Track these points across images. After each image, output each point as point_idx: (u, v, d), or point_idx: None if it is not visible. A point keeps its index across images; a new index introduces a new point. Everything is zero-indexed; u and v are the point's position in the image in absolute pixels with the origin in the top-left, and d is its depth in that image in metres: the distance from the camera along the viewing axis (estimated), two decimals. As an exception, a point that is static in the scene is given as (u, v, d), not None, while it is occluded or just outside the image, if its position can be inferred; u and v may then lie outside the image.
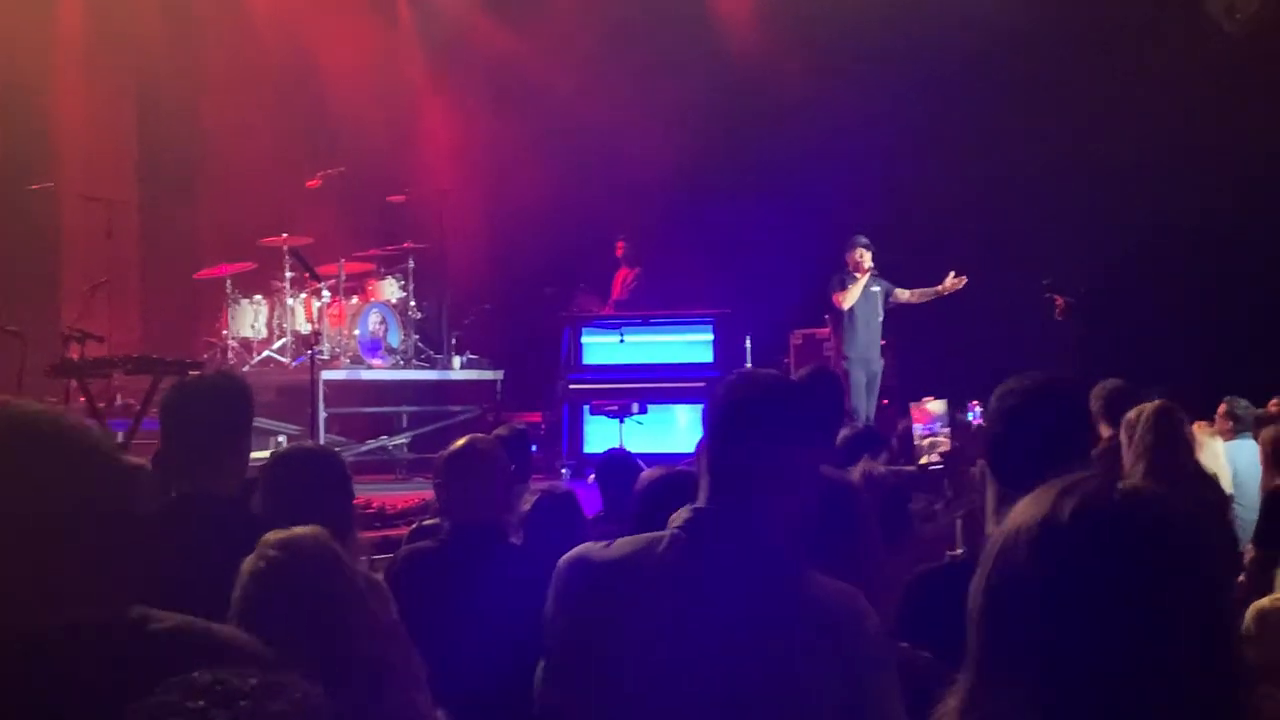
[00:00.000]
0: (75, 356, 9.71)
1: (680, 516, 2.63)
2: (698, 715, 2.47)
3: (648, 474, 4.28)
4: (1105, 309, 12.49)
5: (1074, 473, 3.09)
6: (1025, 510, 1.58)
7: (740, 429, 2.65)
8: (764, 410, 2.65)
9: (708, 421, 2.72)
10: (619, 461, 6.26)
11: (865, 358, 11.85)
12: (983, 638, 1.58)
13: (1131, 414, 5.69)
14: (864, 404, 11.63)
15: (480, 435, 4.86)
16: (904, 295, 12.12)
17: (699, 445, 2.78)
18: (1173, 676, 1.49)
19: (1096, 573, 1.51)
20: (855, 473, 4.37)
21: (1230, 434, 8.18)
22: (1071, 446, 3.34)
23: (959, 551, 4.14)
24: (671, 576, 2.55)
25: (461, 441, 4.59)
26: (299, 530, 2.83)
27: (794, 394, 2.76)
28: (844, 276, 11.92)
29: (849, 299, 11.79)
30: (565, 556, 2.72)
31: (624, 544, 2.67)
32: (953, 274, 11.96)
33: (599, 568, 2.64)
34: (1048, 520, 1.54)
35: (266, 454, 5.42)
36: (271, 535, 2.82)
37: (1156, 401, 5.65)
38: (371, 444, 13.24)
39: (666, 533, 2.61)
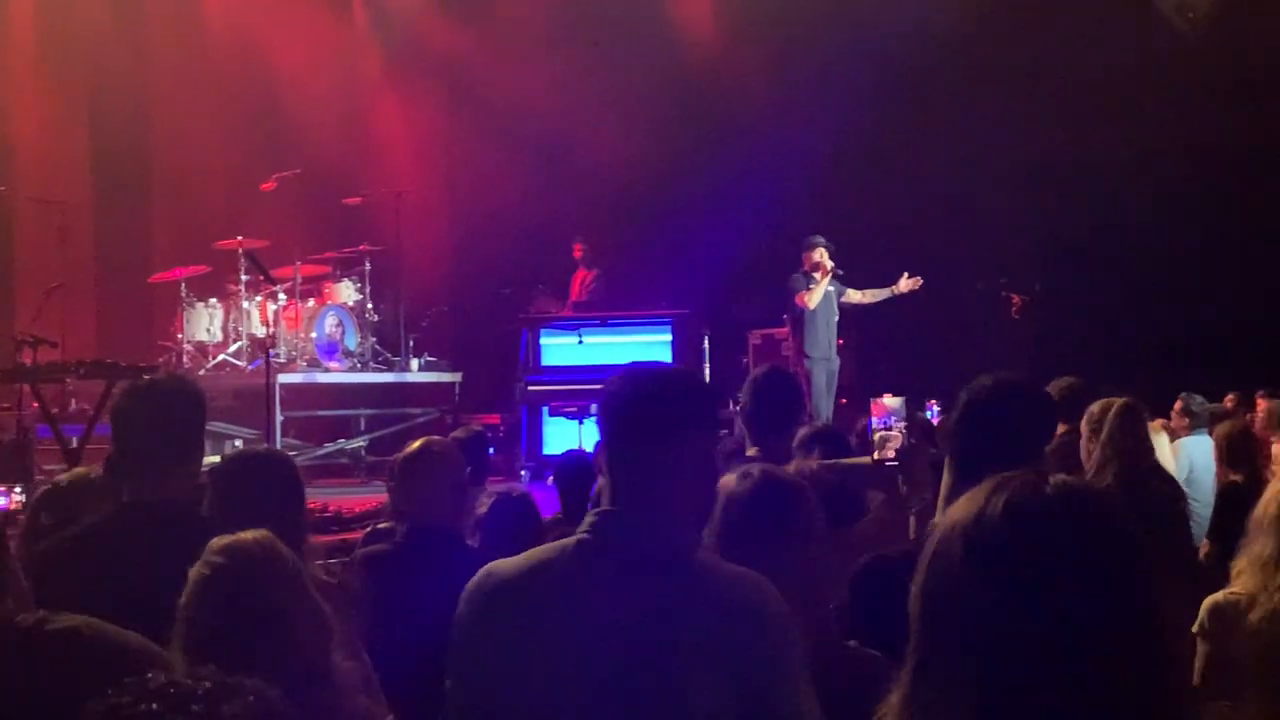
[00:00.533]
0: (28, 361, 9.61)
1: (586, 521, 2.62)
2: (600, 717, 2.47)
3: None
4: (1060, 307, 12.56)
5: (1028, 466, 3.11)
6: (960, 507, 1.58)
7: (631, 424, 2.64)
8: (653, 403, 2.64)
9: (599, 419, 2.71)
10: (576, 464, 6.25)
11: (826, 357, 11.87)
12: (920, 634, 1.57)
13: (1095, 408, 5.71)
14: (825, 403, 11.66)
15: (436, 437, 4.84)
16: (855, 296, 12.13)
17: (596, 446, 2.78)
18: (1106, 672, 1.48)
19: (1027, 568, 1.50)
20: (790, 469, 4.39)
21: (1186, 430, 8.24)
22: (1031, 442, 3.39)
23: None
24: (577, 582, 2.54)
25: (417, 444, 4.58)
26: (244, 535, 2.82)
27: (680, 384, 2.75)
28: (805, 277, 11.92)
29: (814, 299, 11.80)
30: (473, 578, 2.68)
31: (532, 555, 2.66)
32: (907, 275, 11.98)
33: (505, 583, 2.61)
34: (980, 516, 1.54)
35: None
36: (216, 541, 2.80)
37: (1122, 399, 5.68)
38: (329, 447, 13.19)
39: (573, 539, 2.61)
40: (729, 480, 3.11)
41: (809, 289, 11.82)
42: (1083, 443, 5.66)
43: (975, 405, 3.44)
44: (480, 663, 2.60)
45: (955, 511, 1.58)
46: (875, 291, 12.14)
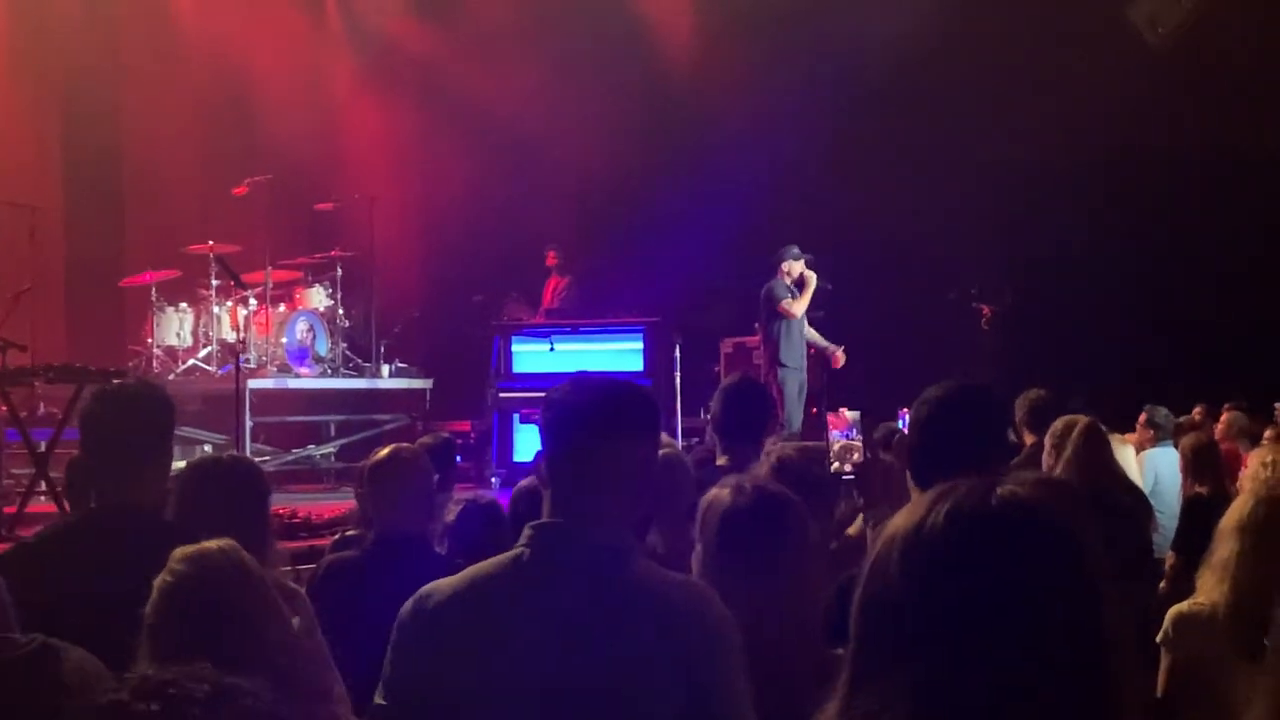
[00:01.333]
0: (-4, 365, 9.56)
1: (524, 534, 2.62)
2: None
3: (521, 484, 4.35)
4: (1029, 318, 12.62)
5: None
6: (902, 515, 1.55)
7: (567, 434, 2.65)
8: (588, 413, 2.64)
9: (540, 428, 2.71)
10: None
11: (799, 367, 11.92)
12: (857, 645, 1.55)
13: (1058, 425, 5.76)
14: (797, 413, 11.70)
15: (404, 444, 4.85)
16: (809, 333, 12.28)
17: (536, 456, 2.76)
18: (1050, 691, 1.44)
19: (966, 580, 1.46)
20: (769, 452, 4.41)
21: (1151, 442, 8.31)
22: (985, 451, 3.41)
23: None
24: (515, 598, 2.54)
25: (385, 450, 4.58)
26: (208, 544, 2.81)
27: (616, 393, 2.74)
28: (786, 285, 11.96)
29: (799, 309, 11.87)
30: (411, 598, 2.67)
31: (469, 573, 2.65)
32: (841, 349, 12.23)
33: (443, 603, 2.60)
34: (919, 525, 1.51)
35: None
36: (180, 550, 2.80)
37: (1085, 419, 5.72)
38: (298, 453, 13.15)
39: (511, 553, 2.61)
40: (721, 495, 3.10)
41: (793, 299, 11.87)
42: (1044, 457, 5.70)
43: (927, 418, 3.45)
44: (418, 686, 2.59)
45: (897, 519, 1.55)
46: (819, 337, 12.30)
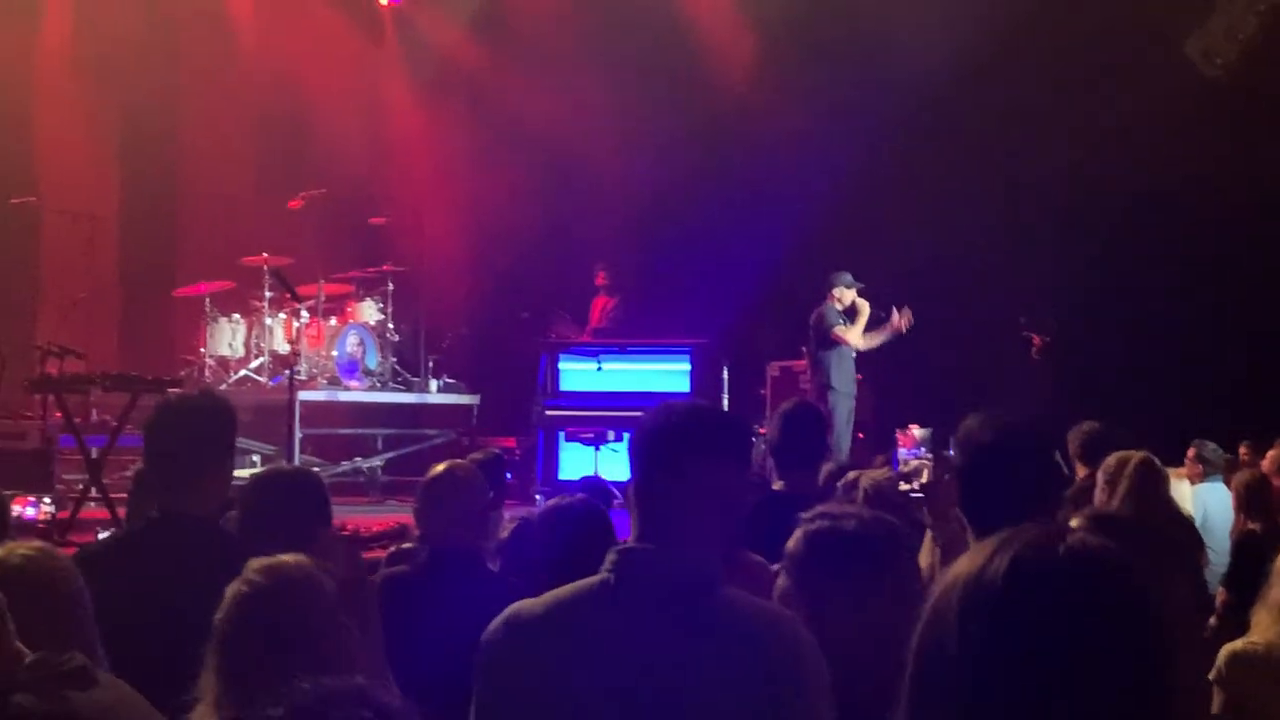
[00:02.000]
0: (54, 372, 9.67)
1: (609, 558, 2.61)
2: None
3: (557, 502, 4.37)
4: (1080, 349, 12.56)
5: (1043, 515, 3.12)
6: (965, 561, 1.50)
7: (655, 458, 2.64)
8: (678, 437, 2.63)
9: (630, 455, 2.69)
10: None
11: (850, 392, 11.90)
12: (911, 690, 1.51)
13: (1111, 461, 5.72)
14: (846, 438, 11.67)
15: (459, 461, 4.87)
16: (860, 344, 12.15)
17: (626, 483, 2.73)
18: None
19: (1027, 633, 1.42)
20: (865, 479, 4.40)
21: (1199, 477, 8.25)
22: (1040, 490, 3.37)
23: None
24: (600, 623, 2.53)
25: (440, 466, 4.61)
26: (285, 557, 2.85)
27: (706, 418, 2.72)
28: (837, 311, 11.94)
29: (853, 336, 11.84)
30: (496, 619, 2.67)
31: (555, 595, 2.64)
32: (896, 310, 11.98)
33: (529, 625, 2.60)
34: (981, 573, 1.46)
35: (244, 473, 5.43)
36: (256, 561, 2.83)
37: (1140, 454, 5.68)
38: (346, 465, 13.21)
39: (597, 578, 2.60)
40: (820, 525, 3.02)
41: (844, 326, 11.84)
42: (1097, 492, 5.67)
43: (978, 459, 3.39)
44: (507, 707, 2.60)
45: (959, 565, 1.51)
46: (875, 334, 12.14)
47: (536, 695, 2.55)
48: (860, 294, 12.02)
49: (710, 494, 2.59)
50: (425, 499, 4.52)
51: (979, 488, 3.35)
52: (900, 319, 11.98)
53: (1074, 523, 3.63)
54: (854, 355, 12.05)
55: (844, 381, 11.84)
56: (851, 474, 4.62)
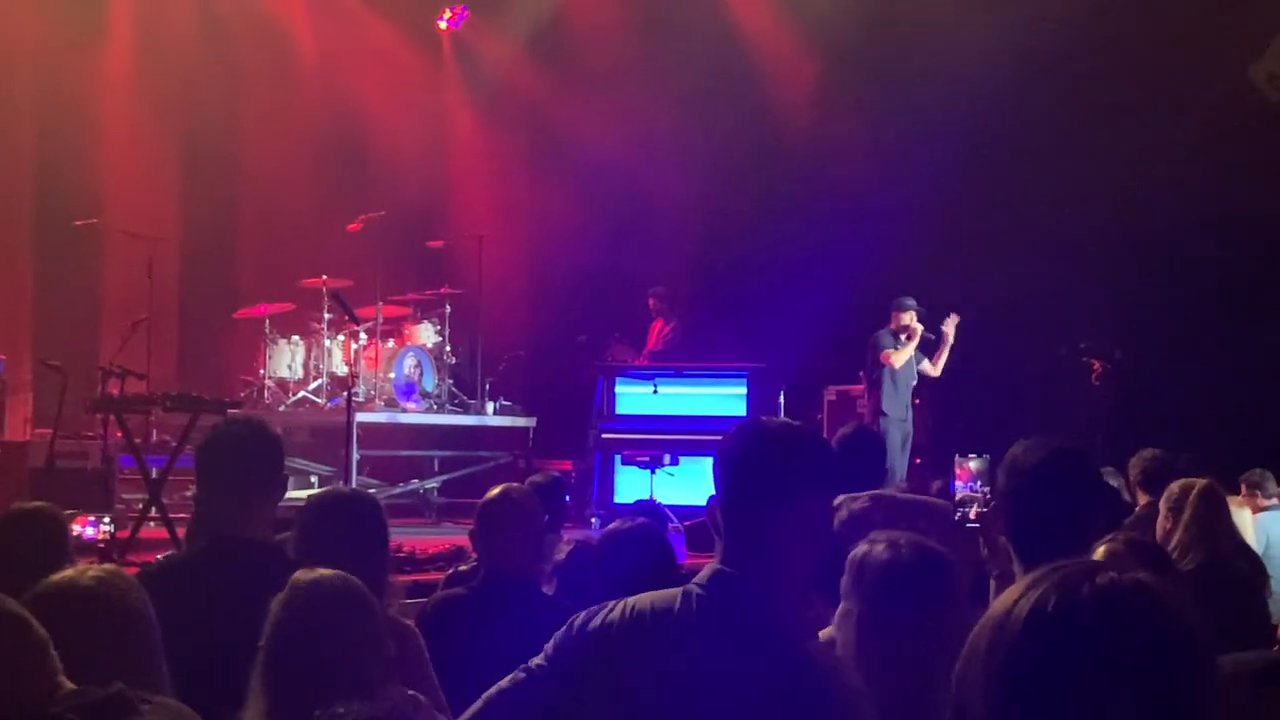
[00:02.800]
0: (115, 392, 9.78)
1: (703, 574, 2.57)
2: None
3: (618, 526, 4.36)
4: (1141, 375, 12.44)
5: (1087, 541, 3.07)
6: (1003, 598, 1.47)
7: (750, 484, 2.56)
8: (775, 464, 2.54)
9: (721, 474, 2.61)
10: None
11: (903, 418, 11.89)
12: (954, 715, 1.48)
13: (1174, 488, 5.65)
14: (900, 463, 11.64)
15: (515, 484, 4.88)
16: (928, 368, 12.24)
17: (711, 500, 2.63)
18: None
19: (1041, 678, 1.38)
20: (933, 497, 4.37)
21: (1258, 506, 8.16)
22: (1085, 515, 3.33)
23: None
24: (685, 637, 2.50)
25: (496, 490, 4.61)
26: (324, 571, 2.87)
27: (805, 444, 2.63)
28: (891, 336, 11.97)
29: (900, 359, 11.85)
30: (574, 617, 2.67)
31: (636, 600, 2.61)
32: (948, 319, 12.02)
33: (614, 624, 2.58)
34: (1007, 613, 1.43)
35: (301, 494, 5.47)
36: (298, 575, 2.85)
37: (1202, 482, 5.61)
38: (402, 487, 13.27)
39: (680, 590, 2.56)
40: (876, 550, 3.00)
41: (896, 348, 11.86)
42: (1159, 520, 5.60)
43: (1019, 486, 3.32)
44: (575, 703, 2.60)
45: (998, 600, 1.47)
46: (937, 357, 12.21)
47: (605, 697, 2.54)
48: (920, 318, 12.03)
49: (805, 524, 2.53)
50: (480, 521, 4.53)
51: (1022, 513, 3.31)
52: (948, 326, 12.01)
53: (1099, 552, 3.59)
54: (913, 381, 12.05)
55: (896, 407, 11.84)
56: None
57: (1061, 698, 1.37)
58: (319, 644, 2.75)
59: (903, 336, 11.99)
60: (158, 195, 14.89)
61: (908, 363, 12.01)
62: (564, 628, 2.66)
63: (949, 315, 12.21)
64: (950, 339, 12.21)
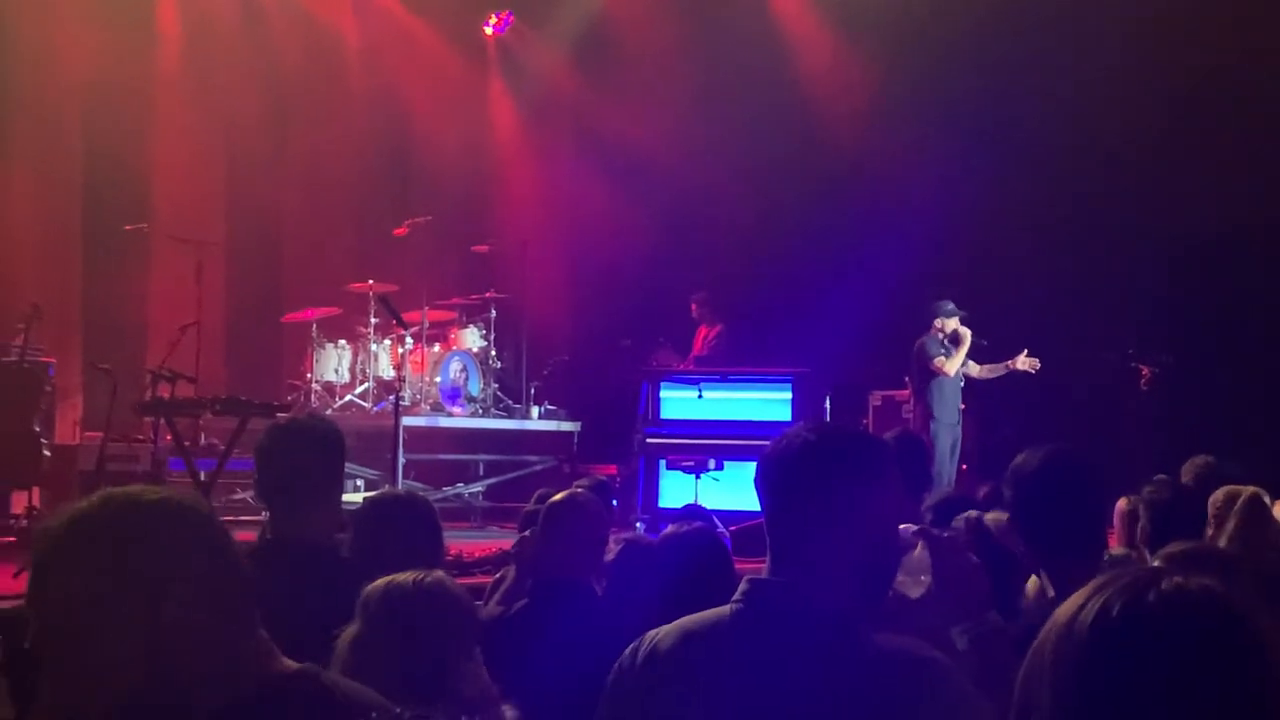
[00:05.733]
0: (165, 396, 9.84)
1: (740, 588, 2.50)
2: None
3: (674, 531, 4.34)
4: (1190, 380, 12.35)
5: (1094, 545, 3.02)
6: (1068, 604, 1.45)
7: (783, 485, 2.51)
8: (806, 462, 2.47)
9: (762, 481, 2.55)
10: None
11: (953, 422, 11.85)
12: None
13: (1219, 495, 5.59)
14: (948, 469, 11.59)
15: (579, 489, 4.86)
16: (974, 369, 12.13)
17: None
18: None
19: (1112, 686, 1.37)
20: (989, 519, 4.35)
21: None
22: (1089, 519, 3.35)
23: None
24: (734, 654, 2.43)
25: (561, 494, 4.60)
26: (429, 573, 2.89)
27: (839, 440, 2.55)
28: (938, 342, 11.92)
29: (952, 367, 11.81)
30: (631, 646, 2.60)
31: (687, 624, 2.55)
32: (1026, 352, 11.91)
33: (664, 654, 2.52)
34: (1074, 618, 1.41)
35: (349, 498, 5.48)
36: (403, 575, 2.87)
37: (1249, 489, 5.55)
38: (448, 491, 13.31)
39: (728, 608, 2.49)
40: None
41: (946, 356, 11.82)
42: (1205, 527, 5.54)
43: (1024, 493, 3.37)
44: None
45: (1062, 607, 1.46)
46: (992, 367, 12.14)
47: (674, 708, 2.48)
48: (963, 322, 11.97)
49: (844, 521, 2.44)
50: (543, 525, 4.51)
51: (1028, 518, 3.33)
52: (1021, 363, 11.89)
53: (1160, 557, 3.58)
54: (960, 385, 12.01)
55: (946, 412, 11.79)
56: (972, 514, 4.53)
57: (1130, 705, 1.35)
58: (420, 644, 2.77)
59: (946, 342, 11.94)
60: (205, 200, 15.00)
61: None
62: (613, 673, 2.61)
63: (1026, 354, 12.00)
64: (1008, 368, 12.06)
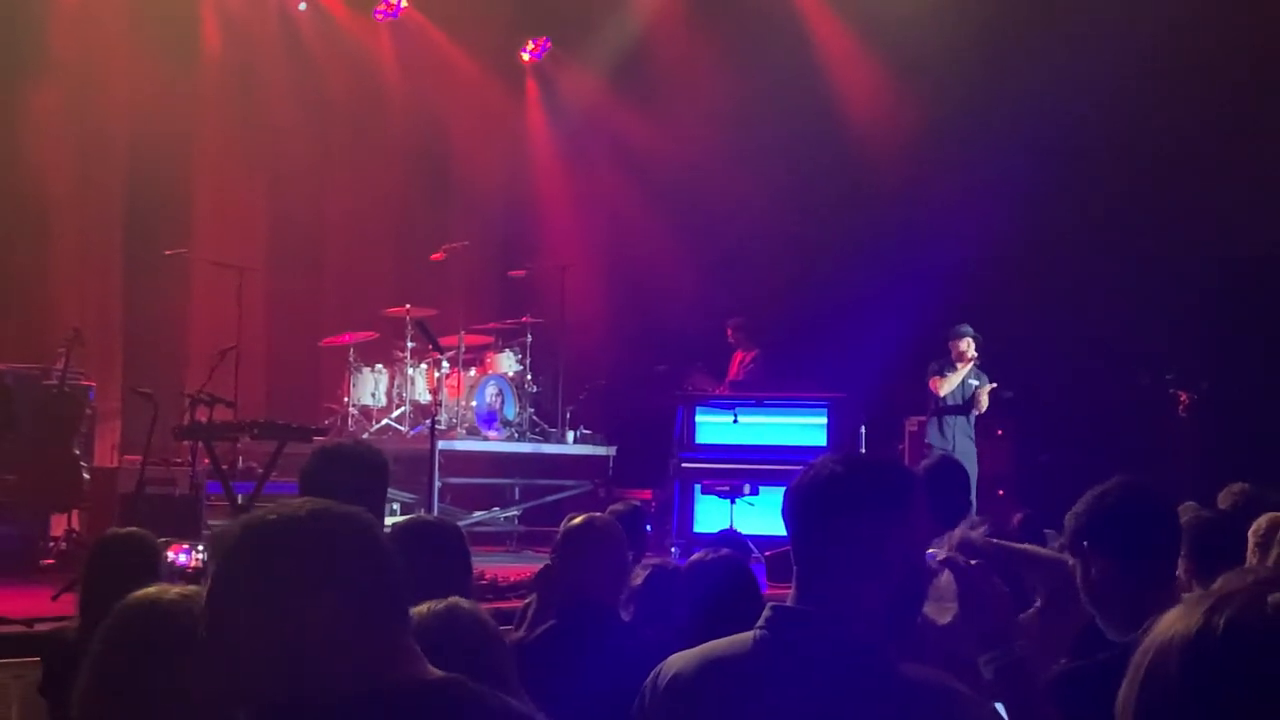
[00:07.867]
0: (204, 419, 9.91)
1: (763, 615, 2.51)
2: None
3: (701, 558, 4.34)
4: (1228, 406, 12.26)
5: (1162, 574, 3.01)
6: (1173, 623, 1.46)
7: (807, 514, 2.51)
8: (831, 491, 2.48)
9: (789, 512, 2.55)
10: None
11: (944, 447, 11.78)
12: None
13: (1261, 522, 5.54)
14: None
15: (598, 514, 4.88)
16: (982, 399, 12.09)
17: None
18: None
19: (1254, 692, 1.37)
20: (954, 537, 4.34)
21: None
22: (1160, 555, 3.34)
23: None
24: (756, 681, 2.44)
25: (579, 518, 4.62)
26: (459, 600, 2.91)
27: (864, 470, 2.55)
28: (944, 364, 11.98)
29: (945, 386, 11.84)
30: (653, 672, 2.62)
31: (709, 650, 2.57)
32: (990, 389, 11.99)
33: (687, 680, 2.53)
34: (1200, 635, 1.41)
35: (385, 521, 5.49)
36: (435, 603, 2.90)
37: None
38: (482, 515, 13.35)
39: (750, 635, 2.50)
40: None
41: (943, 375, 11.87)
42: (1248, 554, 5.49)
43: (1095, 527, 3.34)
44: None
45: (1168, 626, 1.46)
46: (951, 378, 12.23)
47: None
48: (978, 346, 12.03)
49: (870, 553, 2.44)
50: (562, 550, 4.53)
51: (1108, 553, 3.33)
52: (983, 395, 11.92)
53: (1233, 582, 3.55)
54: (973, 411, 12.01)
55: (939, 438, 11.83)
56: (956, 533, 4.52)
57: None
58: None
59: (955, 363, 12.03)
60: (245, 225, 15.11)
61: (954, 392, 12.00)
62: (637, 699, 2.62)
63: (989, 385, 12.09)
64: (961, 361, 12.10)
